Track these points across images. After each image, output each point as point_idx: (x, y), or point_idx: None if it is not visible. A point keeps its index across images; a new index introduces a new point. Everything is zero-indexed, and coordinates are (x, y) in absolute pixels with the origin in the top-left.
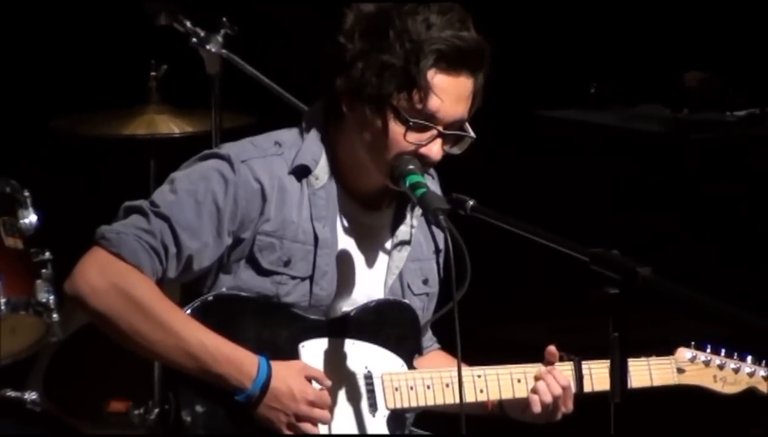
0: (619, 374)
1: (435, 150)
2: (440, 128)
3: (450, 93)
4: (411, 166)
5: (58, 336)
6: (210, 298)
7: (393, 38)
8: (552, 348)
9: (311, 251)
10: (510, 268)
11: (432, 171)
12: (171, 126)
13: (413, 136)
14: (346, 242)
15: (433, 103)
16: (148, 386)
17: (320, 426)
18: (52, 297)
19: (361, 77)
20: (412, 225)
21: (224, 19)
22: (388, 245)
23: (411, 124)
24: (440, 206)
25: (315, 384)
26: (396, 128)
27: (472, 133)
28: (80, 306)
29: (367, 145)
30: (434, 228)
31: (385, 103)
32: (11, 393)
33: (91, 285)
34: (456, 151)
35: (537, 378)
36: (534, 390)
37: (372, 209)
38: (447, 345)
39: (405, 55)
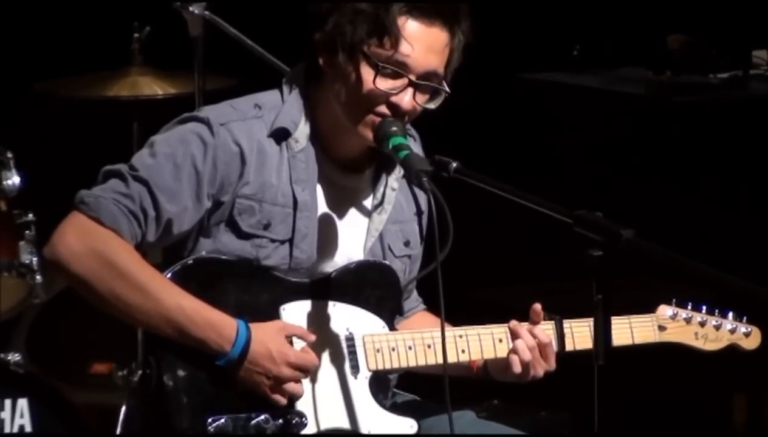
0: (602, 336)
1: (406, 100)
2: (411, 77)
3: (422, 41)
4: (394, 128)
5: (42, 297)
6: (190, 262)
7: None
8: (537, 307)
9: (290, 214)
10: (493, 230)
11: (413, 132)
12: (154, 88)
13: (384, 83)
14: (326, 205)
15: (404, 48)
16: (132, 348)
17: (304, 389)
18: (35, 259)
19: (335, 27)
20: (392, 187)
21: None
22: (369, 207)
23: (380, 67)
24: (423, 168)
25: (297, 342)
26: (366, 74)
27: (446, 88)
28: (59, 270)
29: (342, 97)
30: (416, 190)
31: (357, 50)
32: None
33: (69, 250)
34: (431, 106)
35: (514, 336)
36: (513, 350)
37: (352, 172)
38: (431, 307)
39: (376, 1)
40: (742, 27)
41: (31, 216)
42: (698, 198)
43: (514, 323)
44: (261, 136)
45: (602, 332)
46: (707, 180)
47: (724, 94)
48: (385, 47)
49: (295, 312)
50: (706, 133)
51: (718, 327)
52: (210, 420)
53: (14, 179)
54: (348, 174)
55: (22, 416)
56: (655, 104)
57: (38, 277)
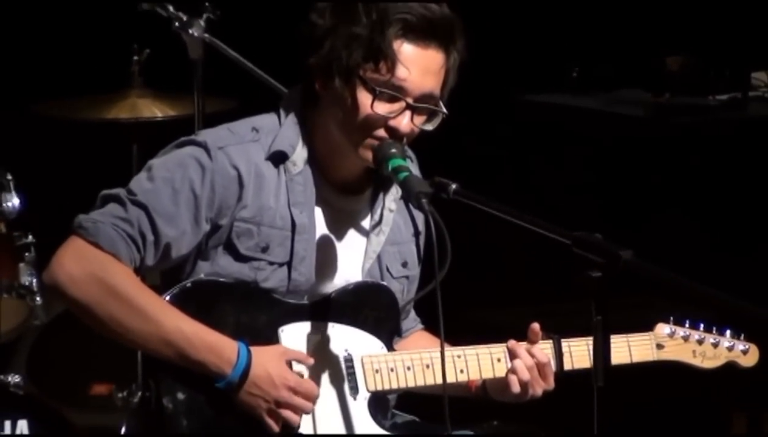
0: (602, 357)
1: (404, 123)
2: (409, 100)
3: (418, 64)
4: (393, 150)
5: (42, 319)
6: (188, 285)
7: (361, 10)
8: (535, 326)
9: (289, 237)
10: (492, 252)
11: (410, 153)
12: (154, 110)
13: (381, 107)
14: (324, 227)
15: (401, 72)
16: (131, 369)
17: (300, 417)
18: (35, 281)
19: (330, 51)
20: (390, 209)
21: (206, 3)
22: (367, 228)
23: (378, 92)
24: (423, 190)
25: (297, 366)
26: (364, 99)
27: (443, 109)
28: (59, 295)
29: (339, 121)
30: (414, 211)
31: (353, 75)
32: None
33: (68, 274)
34: (429, 127)
35: (512, 355)
36: (511, 370)
37: (349, 193)
38: (429, 327)
39: (371, 25)
40: (741, 49)
41: (30, 238)
42: (697, 219)
43: (512, 343)
44: (258, 159)
45: (601, 353)
46: (706, 201)
47: (722, 116)
48: (382, 72)
49: (294, 334)
50: (704, 155)
51: (715, 345)
52: None
53: (14, 201)
54: (346, 196)
55: None
56: (653, 126)
57: (38, 299)
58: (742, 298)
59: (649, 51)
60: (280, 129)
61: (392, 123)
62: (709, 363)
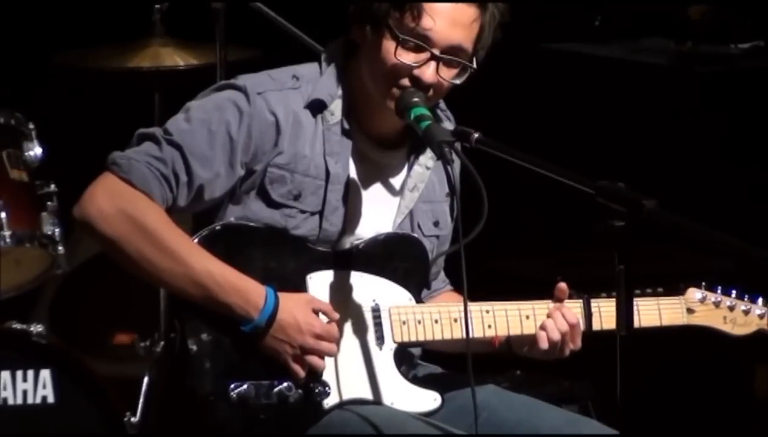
0: (624, 307)
1: (429, 73)
2: (435, 51)
3: (445, 16)
4: (416, 99)
5: (64, 268)
6: (218, 227)
7: None
8: (562, 285)
9: (322, 186)
10: (516, 202)
11: (449, 113)
12: (175, 58)
13: (405, 55)
14: (358, 179)
15: (426, 22)
16: (154, 319)
17: (326, 359)
18: (57, 230)
19: (365, 0)
20: (427, 166)
21: None
22: (401, 185)
23: (401, 39)
24: (445, 138)
25: (322, 317)
26: (388, 46)
27: (472, 63)
28: (88, 230)
29: (370, 70)
30: (450, 171)
31: (381, 22)
32: (17, 326)
33: (99, 210)
34: (456, 81)
35: (547, 315)
36: (542, 327)
37: (386, 148)
38: (454, 281)
39: None
40: None
41: (53, 187)
42: (719, 169)
43: (551, 307)
44: (297, 107)
45: (624, 303)
46: (729, 151)
47: (746, 64)
48: (407, 20)
49: (322, 282)
50: (729, 103)
51: (747, 312)
52: (232, 385)
53: (36, 150)
54: (382, 150)
55: (44, 387)
56: (677, 74)
57: (60, 248)
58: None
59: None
60: (320, 78)
61: (416, 72)
62: (739, 330)
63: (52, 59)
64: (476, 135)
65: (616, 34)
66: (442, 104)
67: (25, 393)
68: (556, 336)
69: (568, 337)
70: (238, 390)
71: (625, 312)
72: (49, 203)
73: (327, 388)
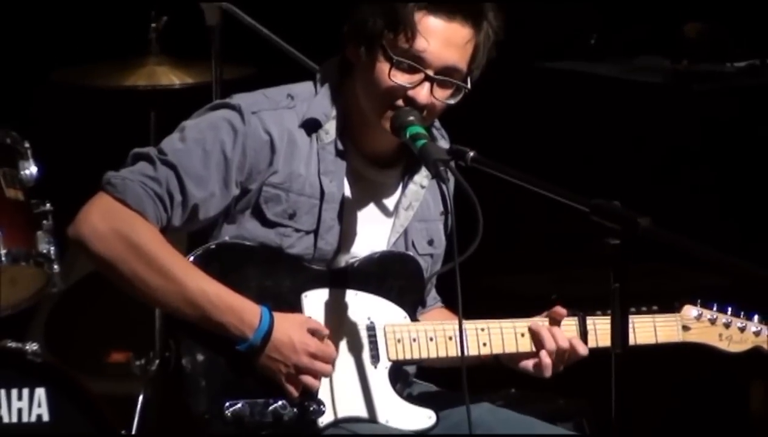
0: (619, 325)
1: (423, 94)
2: (429, 72)
3: (439, 36)
4: (411, 117)
5: (59, 286)
6: (213, 246)
7: None
8: (559, 309)
9: (317, 205)
10: (511, 220)
11: (444, 132)
12: (171, 77)
13: (400, 77)
14: (353, 198)
15: (420, 43)
16: (149, 337)
17: (320, 382)
18: (52, 248)
19: (359, 19)
20: (422, 185)
21: None
22: (395, 203)
23: (395, 61)
24: (440, 157)
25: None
26: (382, 67)
27: (467, 84)
28: (82, 250)
29: (363, 90)
30: (444, 190)
31: (376, 43)
32: (12, 344)
33: (93, 230)
34: (451, 101)
35: (535, 336)
36: (534, 354)
37: (381, 166)
38: (448, 299)
39: None
40: (760, 15)
41: (48, 206)
42: (715, 186)
43: (535, 324)
44: (292, 126)
45: (619, 320)
46: (724, 169)
47: (741, 83)
48: (401, 41)
49: (317, 300)
50: (724, 122)
51: (743, 329)
52: (228, 404)
53: (32, 169)
54: (377, 168)
55: (39, 405)
56: (674, 92)
57: (56, 267)
58: (763, 268)
59: (667, 18)
60: (315, 97)
61: (411, 93)
62: (735, 348)
63: (48, 77)
64: (472, 153)
65: (612, 53)
66: (437, 123)
67: (20, 411)
68: (547, 360)
69: (556, 357)
70: (233, 408)
71: (620, 330)
72: (44, 222)
73: (322, 406)
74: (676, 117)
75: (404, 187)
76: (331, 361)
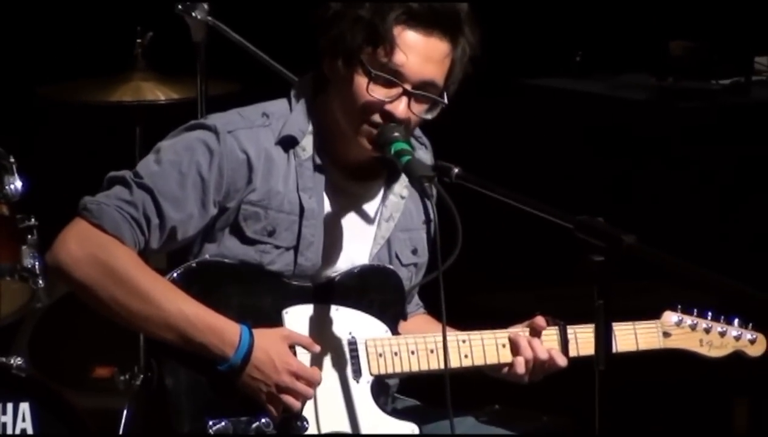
0: (603, 341)
1: (401, 109)
2: (407, 86)
3: (417, 51)
4: (396, 133)
5: (44, 301)
6: (193, 265)
7: None
8: (539, 320)
9: (296, 221)
10: (495, 236)
11: (425, 140)
12: (157, 93)
13: (377, 91)
14: (333, 212)
15: (398, 58)
16: (134, 352)
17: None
18: (37, 263)
19: (336, 33)
20: (402, 195)
21: None
22: (376, 215)
23: (373, 75)
24: (425, 173)
25: (300, 351)
26: (360, 81)
27: (444, 99)
28: (61, 276)
29: (340, 104)
30: (428, 205)
31: (354, 57)
32: None
33: (71, 256)
34: (427, 116)
35: (514, 346)
36: (515, 360)
37: (360, 179)
38: (432, 312)
39: (375, 9)
40: (745, 33)
41: (33, 220)
42: (700, 204)
43: (514, 334)
44: (268, 144)
45: (603, 337)
46: (709, 186)
47: (726, 100)
48: (380, 55)
49: (298, 316)
50: (708, 139)
51: (723, 334)
52: (211, 422)
53: (17, 184)
54: (356, 181)
55: (24, 420)
56: (659, 110)
57: (40, 281)
58: (748, 286)
59: (652, 35)
60: (290, 114)
61: (388, 108)
62: (716, 353)
63: (34, 92)
64: (456, 170)
65: (597, 70)
66: (418, 131)
67: (4, 425)
68: (522, 369)
69: (534, 365)
70: (217, 427)
71: (604, 347)
72: (29, 236)
73: (305, 423)
74: (661, 134)
75: (384, 199)
76: (315, 383)
